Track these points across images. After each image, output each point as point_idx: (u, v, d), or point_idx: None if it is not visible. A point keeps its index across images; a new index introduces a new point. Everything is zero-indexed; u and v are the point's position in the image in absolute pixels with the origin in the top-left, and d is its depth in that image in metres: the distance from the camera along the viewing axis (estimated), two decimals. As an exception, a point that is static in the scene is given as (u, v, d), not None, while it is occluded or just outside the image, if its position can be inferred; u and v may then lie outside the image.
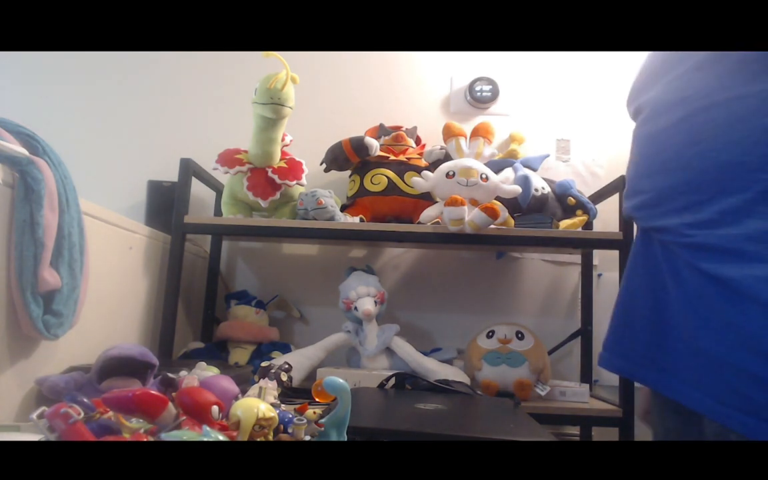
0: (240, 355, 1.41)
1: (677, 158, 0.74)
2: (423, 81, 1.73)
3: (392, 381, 1.07)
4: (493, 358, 1.29)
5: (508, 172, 1.37)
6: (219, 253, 1.58)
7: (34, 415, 0.51)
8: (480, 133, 1.47)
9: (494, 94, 1.68)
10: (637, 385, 1.14)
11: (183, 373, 0.88)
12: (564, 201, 1.42)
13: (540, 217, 1.34)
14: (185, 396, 0.57)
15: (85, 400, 0.57)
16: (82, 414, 0.52)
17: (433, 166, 1.41)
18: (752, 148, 0.66)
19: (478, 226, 1.21)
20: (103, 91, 1.73)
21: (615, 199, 1.34)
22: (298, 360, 1.27)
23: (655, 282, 0.80)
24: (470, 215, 1.21)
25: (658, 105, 0.80)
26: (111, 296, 1.12)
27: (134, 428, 0.55)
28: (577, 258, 1.60)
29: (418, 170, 1.41)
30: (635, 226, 0.90)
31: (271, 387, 0.77)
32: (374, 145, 1.43)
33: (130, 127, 1.71)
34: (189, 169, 1.34)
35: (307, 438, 0.63)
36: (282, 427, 0.63)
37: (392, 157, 1.47)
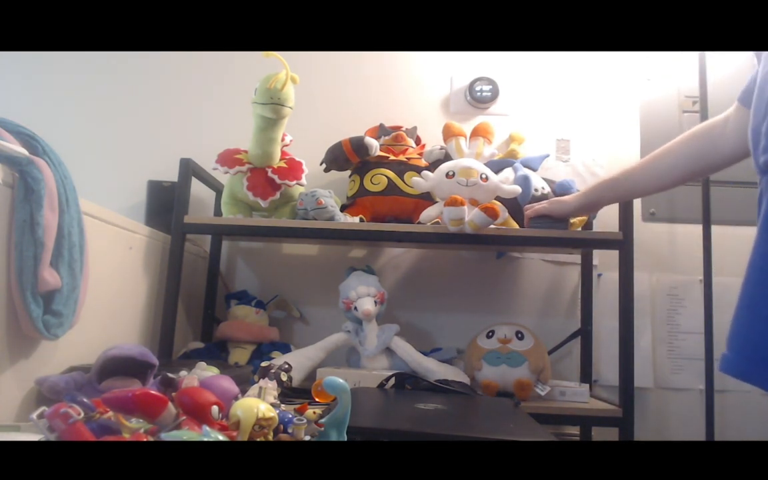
0: (240, 355, 1.41)
1: None
2: (423, 81, 1.73)
3: (392, 381, 1.07)
4: (493, 358, 1.29)
5: (508, 172, 1.37)
6: (219, 253, 1.58)
7: (34, 415, 0.51)
8: (480, 133, 1.47)
9: (494, 94, 1.68)
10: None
11: (183, 373, 0.88)
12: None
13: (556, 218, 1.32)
14: (185, 396, 0.57)
15: (85, 400, 0.57)
16: (82, 414, 0.52)
17: (433, 166, 1.41)
18: None
19: (478, 226, 1.20)
20: (103, 91, 1.73)
21: (615, 199, 1.34)
22: (298, 360, 1.27)
23: None
24: (470, 215, 1.20)
25: None
26: (111, 296, 1.12)
27: (134, 428, 0.55)
28: (577, 258, 1.60)
29: (418, 170, 1.41)
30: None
31: (271, 387, 0.77)
32: (374, 145, 1.43)
33: (130, 127, 1.71)
34: (189, 169, 1.34)
35: (307, 438, 0.63)
36: (282, 427, 0.63)
37: (392, 157, 1.47)
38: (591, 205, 1.24)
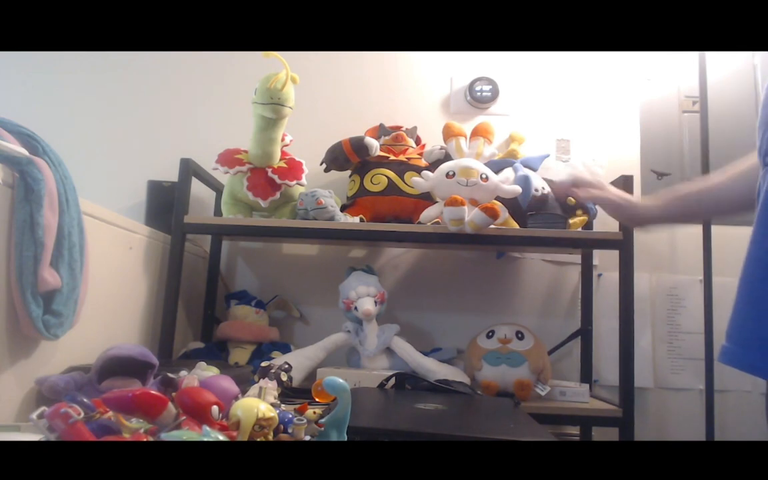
0: (240, 355, 1.41)
1: None
2: (423, 81, 1.73)
3: (392, 381, 1.07)
4: (493, 358, 1.29)
5: (508, 172, 1.37)
6: (219, 253, 1.58)
7: (34, 415, 0.51)
8: (480, 133, 1.47)
9: (494, 94, 1.68)
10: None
11: (183, 373, 0.88)
12: (564, 201, 1.41)
13: (553, 217, 1.32)
14: (185, 396, 0.57)
15: (85, 400, 0.57)
16: (82, 414, 0.52)
17: (433, 166, 1.41)
18: None
19: (478, 226, 1.20)
20: (103, 91, 1.73)
21: (615, 199, 1.33)
22: (298, 360, 1.27)
23: None
24: (470, 215, 1.20)
25: None
26: (111, 296, 1.12)
27: (134, 428, 0.55)
28: (577, 258, 1.60)
29: (418, 170, 1.41)
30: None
31: (271, 387, 0.77)
32: (374, 145, 1.43)
33: (130, 127, 1.71)
34: (189, 169, 1.34)
35: (307, 438, 0.63)
36: (282, 427, 0.63)
37: (392, 157, 1.47)
38: (670, 217, 1.00)
